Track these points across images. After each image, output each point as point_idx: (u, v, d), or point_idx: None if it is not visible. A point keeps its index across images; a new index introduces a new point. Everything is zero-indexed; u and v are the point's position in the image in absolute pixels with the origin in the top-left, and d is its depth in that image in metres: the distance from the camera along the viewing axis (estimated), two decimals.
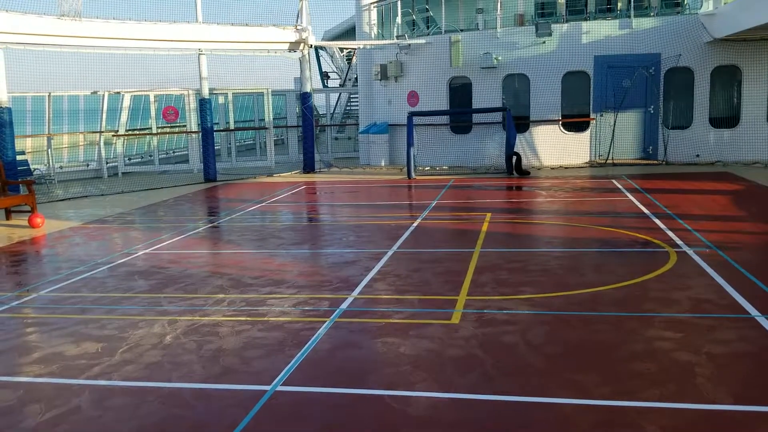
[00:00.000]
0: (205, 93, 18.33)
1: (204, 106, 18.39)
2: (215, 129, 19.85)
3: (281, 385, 4.67)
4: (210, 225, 11.64)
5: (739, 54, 16.61)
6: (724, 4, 16.35)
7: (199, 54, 17.99)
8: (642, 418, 4.00)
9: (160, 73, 27.25)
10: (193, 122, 21.00)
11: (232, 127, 22.16)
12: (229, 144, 22.27)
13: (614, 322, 5.75)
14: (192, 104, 20.78)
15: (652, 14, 17.54)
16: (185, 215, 12.86)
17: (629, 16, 17.29)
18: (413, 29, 20.96)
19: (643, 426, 3.89)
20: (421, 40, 19.12)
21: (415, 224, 10.71)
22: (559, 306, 6.24)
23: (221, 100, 21.88)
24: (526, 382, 4.62)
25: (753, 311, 5.81)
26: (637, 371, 4.69)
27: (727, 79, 17.11)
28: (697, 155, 17.08)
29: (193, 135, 20.96)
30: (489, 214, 11.31)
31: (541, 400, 4.33)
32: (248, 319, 6.19)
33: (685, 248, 8.20)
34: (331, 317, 6.12)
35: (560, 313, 6.03)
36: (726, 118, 17.16)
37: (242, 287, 7.31)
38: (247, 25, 18.58)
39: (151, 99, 21.05)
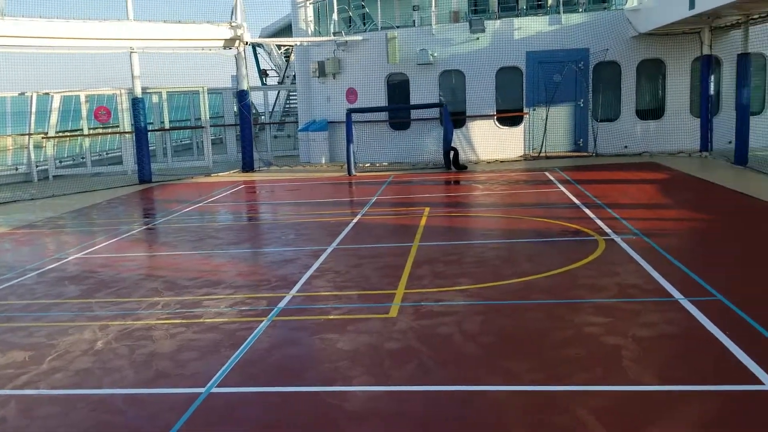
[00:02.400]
0: (138, 92, 17.87)
1: (137, 105, 17.93)
2: (149, 129, 19.38)
3: (216, 386, 4.63)
4: (145, 227, 11.38)
5: (663, 48, 17.24)
6: None
7: (131, 52, 17.52)
8: (572, 401, 4.14)
9: (91, 72, 26.41)
10: (126, 122, 20.43)
11: (167, 126, 21.70)
12: (165, 144, 21.79)
13: (546, 310, 5.91)
14: (124, 104, 20.21)
15: (580, 10, 18.03)
16: (119, 218, 12.54)
17: (558, 12, 17.73)
18: (350, 26, 20.94)
19: (573, 409, 4.03)
20: (358, 37, 19.13)
21: (355, 220, 10.74)
22: (493, 296, 6.38)
23: (155, 99, 21.37)
24: (462, 371, 4.71)
25: (677, 294, 6.06)
26: (568, 356, 4.84)
27: (652, 72, 17.73)
28: (626, 146, 17.67)
29: (127, 135, 20.41)
30: (427, 209, 11.44)
31: (475, 388, 4.43)
32: (183, 321, 6.10)
33: (613, 236, 8.49)
34: (269, 316, 6.09)
35: (494, 303, 6.17)
36: (652, 110, 17.79)
37: (177, 289, 7.18)
38: (179, 22, 18.20)
39: (82, 99, 20.38)
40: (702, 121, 16.46)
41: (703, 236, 8.68)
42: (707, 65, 15.88)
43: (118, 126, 21.02)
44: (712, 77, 15.92)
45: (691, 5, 13.19)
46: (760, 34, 14.55)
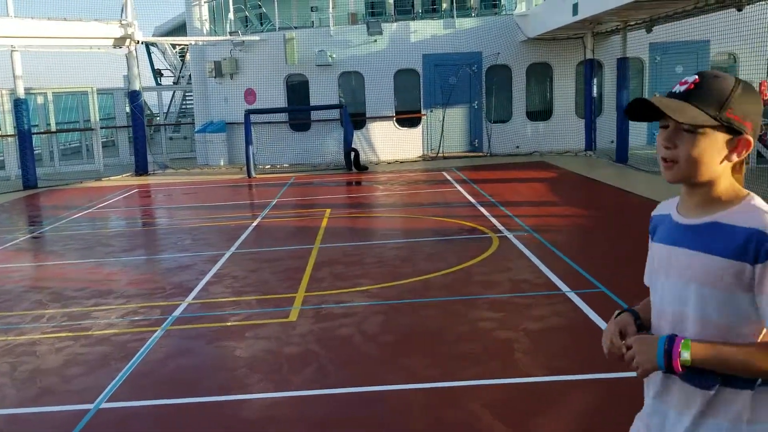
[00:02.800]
0: (21, 93, 16.82)
1: (20, 107, 16.88)
2: (34, 132, 18.30)
3: (106, 401, 4.43)
4: (30, 235, 10.75)
5: (550, 52, 18.06)
6: (536, 5, 17.69)
7: (12, 51, 16.47)
8: (467, 396, 4.26)
9: None
10: (8, 125, 19.19)
11: (53, 129, 20.55)
12: (51, 147, 20.64)
13: (442, 307, 6.07)
14: (6, 105, 18.98)
15: (473, 15, 18.58)
16: (1, 226, 11.76)
17: (452, 17, 18.20)
18: (247, 26, 20.61)
19: (467, 404, 4.15)
20: (255, 37, 18.86)
21: (254, 223, 10.60)
22: (392, 295, 6.47)
23: (40, 100, 20.18)
24: (361, 372, 4.75)
25: (564, 288, 6.38)
26: (463, 352, 4.98)
27: (541, 75, 18.53)
28: (517, 146, 18.38)
29: (9, 139, 19.16)
30: (329, 210, 11.45)
31: (374, 388, 4.48)
32: (70, 334, 5.80)
33: (506, 233, 8.81)
34: (163, 325, 5.90)
35: (394, 302, 6.26)
36: (541, 111, 18.61)
37: (64, 301, 6.83)
38: (65, 19, 17.28)
39: None
40: (586, 121, 17.37)
41: (589, 232, 9.17)
42: (590, 69, 16.78)
43: None
44: (595, 80, 16.84)
45: (575, 12, 13.90)
46: (637, 39, 15.54)
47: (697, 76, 1.66)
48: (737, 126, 1.62)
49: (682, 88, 1.66)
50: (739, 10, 11.40)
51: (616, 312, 1.90)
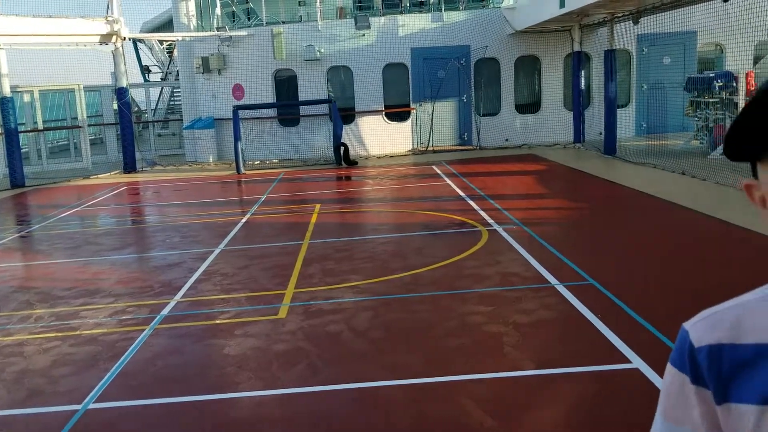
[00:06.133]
0: (6, 91, 16.66)
1: (6, 105, 16.74)
2: (21, 130, 18.16)
3: (94, 402, 4.41)
4: (18, 235, 10.67)
5: (538, 45, 18.06)
6: None
7: None
8: (455, 391, 4.27)
9: None
10: None
11: (40, 127, 20.39)
12: (39, 146, 20.49)
13: (432, 302, 6.07)
14: None
15: (460, 8, 18.55)
16: None
17: (440, 10, 18.17)
18: (234, 21, 20.50)
19: (455, 399, 4.16)
20: (243, 32, 18.76)
21: (244, 220, 10.57)
22: (382, 291, 6.47)
23: (26, 98, 20.02)
24: (350, 369, 4.75)
25: (553, 280, 6.39)
26: (452, 347, 4.99)
27: (529, 68, 18.54)
28: (506, 139, 18.39)
29: None
30: (318, 205, 11.43)
31: (362, 385, 4.48)
32: (58, 334, 5.77)
33: (496, 226, 8.82)
34: (151, 324, 5.88)
35: (383, 298, 6.26)
36: (529, 104, 18.61)
37: (52, 300, 6.79)
38: (50, 16, 17.12)
39: None
40: (574, 114, 17.38)
41: (577, 224, 9.20)
42: (578, 61, 16.77)
43: None
44: (583, 72, 16.83)
45: (562, 4, 13.90)
46: (624, 31, 15.56)
47: None
48: None
49: None
50: (725, 0, 11.42)
51: None
